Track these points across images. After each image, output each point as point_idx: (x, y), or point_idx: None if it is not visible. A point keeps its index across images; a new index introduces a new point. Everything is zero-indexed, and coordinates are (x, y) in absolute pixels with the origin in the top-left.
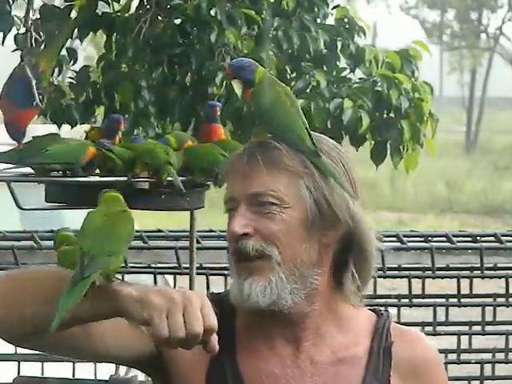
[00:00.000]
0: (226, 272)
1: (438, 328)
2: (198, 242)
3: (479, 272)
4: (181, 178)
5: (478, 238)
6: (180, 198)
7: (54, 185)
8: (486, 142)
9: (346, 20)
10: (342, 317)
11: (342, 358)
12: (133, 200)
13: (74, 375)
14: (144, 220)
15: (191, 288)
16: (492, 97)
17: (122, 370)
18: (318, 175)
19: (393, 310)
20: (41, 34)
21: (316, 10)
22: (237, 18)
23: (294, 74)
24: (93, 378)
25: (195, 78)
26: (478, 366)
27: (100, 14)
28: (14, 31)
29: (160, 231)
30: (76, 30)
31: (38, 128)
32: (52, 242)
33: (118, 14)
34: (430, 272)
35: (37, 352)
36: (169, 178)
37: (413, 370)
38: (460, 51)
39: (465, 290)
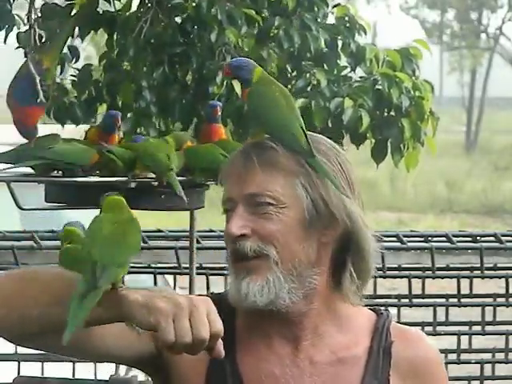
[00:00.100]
0: (225, 272)
1: (438, 328)
2: (197, 242)
3: (479, 272)
4: (181, 178)
5: (478, 237)
6: (180, 198)
7: (53, 185)
8: (486, 142)
9: (346, 19)
10: (341, 316)
11: (341, 357)
12: (133, 200)
13: (74, 375)
14: (144, 220)
15: (191, 288)
16: (492, 97)
17: (122, 370)
18: (314, 175)
19: (393, 310)
20: (44, 31)
21: (316, 9)
22: (237, 18)
23: (294, 73)
24: (93, 378)
25: (196, 78)
26: (478, 366)
27: (101, 12)
28: (15, 30)
29: (160, 231)
30: (77, 28)
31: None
32: (52, 241)
33: (119, 12)
34: (430, 272)
35: (37, 352)
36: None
37: (413, 369)
38: (460, 51)
39: (465, 290)
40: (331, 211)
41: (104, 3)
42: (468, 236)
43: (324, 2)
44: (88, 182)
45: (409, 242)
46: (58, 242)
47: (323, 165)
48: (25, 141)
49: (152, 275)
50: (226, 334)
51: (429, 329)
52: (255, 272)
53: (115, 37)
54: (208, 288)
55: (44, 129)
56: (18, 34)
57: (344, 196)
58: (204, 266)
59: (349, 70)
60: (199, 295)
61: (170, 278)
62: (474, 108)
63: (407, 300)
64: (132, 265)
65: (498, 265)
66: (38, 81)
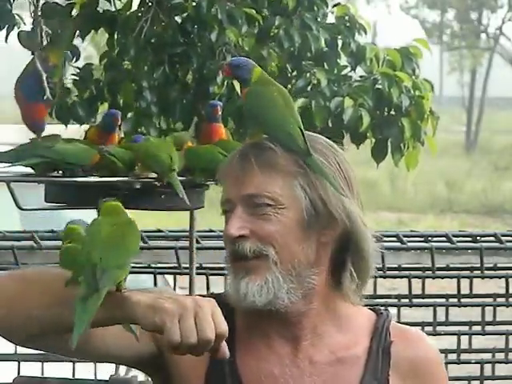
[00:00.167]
0: (225, 272)
1: (438, 328)
2: (197, 242)
3: (479, 272)
4: (181, 178)
5: (478, 237)
6: (180, 198)
7: (53, 185)
8: (486, 142)
9: (346, 18)
10: (340, 316)
11: (340, 357)
12: (133, 200)
13: (74, 375)
14: (144, 220)
15: (191, 288)
16: (492, 97)
17: (122, 370)
18: (313, 175)
19: (393, 310)
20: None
21: (316, 8)
22: (237, 17)
23: (294, 73)
24: (93, 378)
25: (196, 77)
26: (478, 366)
27: (101, 11)
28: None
29: (160, 231)
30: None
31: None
32: (52, 241)
33: (120, 12)
34: (430, 272)
35: (37, 352)
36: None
37: (413, 369)
38: (460, 51)
39: (465, 290)
40: (330, 211)
41: (104, 3)
42: (468, 236)
43: (324, 2)
44: (88, 182)
45: (409, 242)
46: (58, 242)
47: (321, 164)
48: (25, 141)
49: (152, 275)
50: None
51: (429, 329)
52: (254, 272)
53: (116, 36)
54: (208, 288)
55: (48, 129)
56: (18, 34)
57: (343, 196)
58: (204, 266)
59: (349, 69)
60: (199, 295)
61: (170, 278)
62: (474, 108)
63: (407, 300)
64: (132, 265)
65: (498, 265)
66: (44, 78)
